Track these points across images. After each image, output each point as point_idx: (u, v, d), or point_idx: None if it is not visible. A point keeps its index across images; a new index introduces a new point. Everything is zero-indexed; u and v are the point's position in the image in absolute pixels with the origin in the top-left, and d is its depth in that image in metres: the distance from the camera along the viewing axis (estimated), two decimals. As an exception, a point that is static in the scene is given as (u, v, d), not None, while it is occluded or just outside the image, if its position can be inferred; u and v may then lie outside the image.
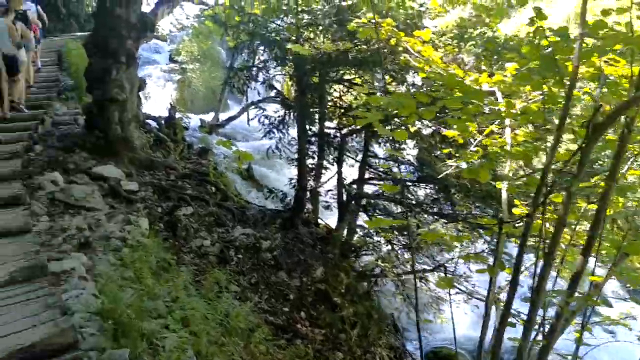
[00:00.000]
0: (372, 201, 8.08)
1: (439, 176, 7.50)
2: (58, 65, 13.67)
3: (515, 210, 4.49)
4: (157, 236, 6.64)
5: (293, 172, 12.87)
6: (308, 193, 8.88)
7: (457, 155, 8.29)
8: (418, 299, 6.11)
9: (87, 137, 8.99)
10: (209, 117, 17.61)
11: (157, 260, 5.89)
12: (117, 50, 8.88)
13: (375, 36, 6.33)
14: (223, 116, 17.09)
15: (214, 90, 23.63)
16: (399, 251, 7.57)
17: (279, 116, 8.81)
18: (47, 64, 13.37)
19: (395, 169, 8.46)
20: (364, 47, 7.09)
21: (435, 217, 7.36)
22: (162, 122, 11.16)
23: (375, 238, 7.77)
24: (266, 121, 8.91)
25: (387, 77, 7.58)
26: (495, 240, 6.28)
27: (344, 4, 6.82)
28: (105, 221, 6.38)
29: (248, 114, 15.40)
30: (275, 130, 8.79)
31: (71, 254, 5.00)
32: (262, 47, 8.41)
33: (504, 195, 4.27)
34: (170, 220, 7.17)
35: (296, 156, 9.65)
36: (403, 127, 6.10)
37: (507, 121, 4.80)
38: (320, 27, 7.34)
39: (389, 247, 7.60)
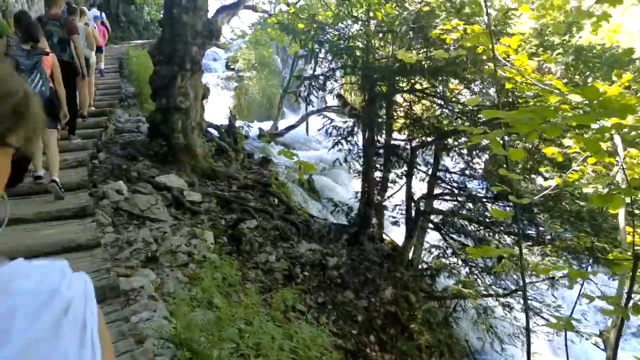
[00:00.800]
0: (449, 219, 7.61)
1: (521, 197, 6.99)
2: (119, 72, 13.86)
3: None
4: (222, 250, 6.43)
5: (356, 184, 12.56)
6: (374, 207, 8.50)
7: (545, 172, 7.78)
8: (503, 329, 5.62)
9: (150, 145, 8.94)
10: (266, 125, 17.57)
11: (224, 277, 5.66)
12: (182, 57, 8.81)
13: (458, 43, 5.93)
14: (281, 125, 16.98)
15: (271, 98, 23.69)
16: (478, 274, 7.05)
17: (347, 127, 8.48)
18: (109, 70, 13.57)
19: (470, 185, 7.98)
20: (443, 54, 6.66)
21: (516, 238, 6.83)
22: (223, 130, 11.04)
23: (452, 259, 7.29)
24: (334, 132, 8.59)
25: (461, 86, 7.14)
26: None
27: (425, 8, 6.44)
28: (171, 234, 6.20)
29: (307, 123, 15.19)
30: (344, 141, 8.46)
31: (139, 270, 4.81)
32: (329, 55, 8.12)
33: (622, 222, 3.76)
34: (234, 234, 6.94)
35: (361, 168, 9.31)
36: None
37: (617, 138, 4.31)
38: (395, 34, 6.97)
39: (467, 269, 7.11)
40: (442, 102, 8.05)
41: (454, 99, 8.13)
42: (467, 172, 8.15)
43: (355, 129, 8.32)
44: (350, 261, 7.57)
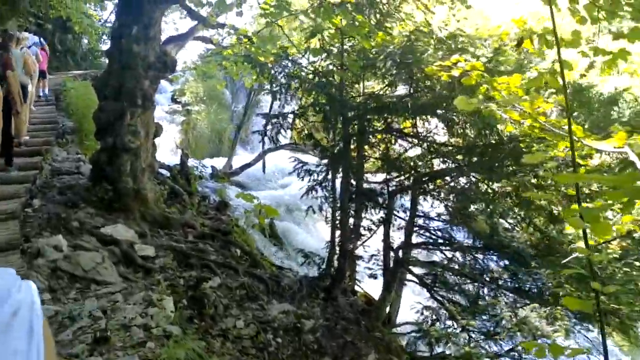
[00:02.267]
0: (438, 273, 7.00)
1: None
2: (55, 105, 12.74)
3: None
4: (183, 317, 5.57)
5: (321, 227, 11.89)
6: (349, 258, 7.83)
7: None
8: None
9: (94, 190, 7.99)
10: (218, 162, 16.71)
11: (186, 352, 4.80)
12: (132, 91, 8.01)
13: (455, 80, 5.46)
14: (234, 162, 16.18)
15: (220, 134, 22.86)
16: (477, 338, 6.41)
17: (321, 170, 7.83)
18: (42, 103, 12.44)
19: (456, 234, 7.46)
20: (429, 93, 6.22)
21: (514, 295, 6.31)
22: (176, 171, 10.17)
23: (449, 323, 6.63)
24: (307, 176, 7.92)
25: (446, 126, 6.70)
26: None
27: (416, 44, 5.95)
28: (122, 301, 5.31)
29: (264, 161, 14.47)
30: (319, 187, 7.79)
31: None
32: (299, 91, 7.52)
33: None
34: (196, 295, 6.09)
35: (330, 214, 8.67)
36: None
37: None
38: (377, 70, 6.46)
39: (465, 334, 6.47)
40: (421, 143, 7.57)
41: (430, 139, 7.68)
42: (446, 217, 7.64)
43: (329, 174, 7.69)
44: (325, 321, 6.83)
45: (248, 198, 9.75)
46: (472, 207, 7.40)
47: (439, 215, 8.04)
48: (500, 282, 6.40)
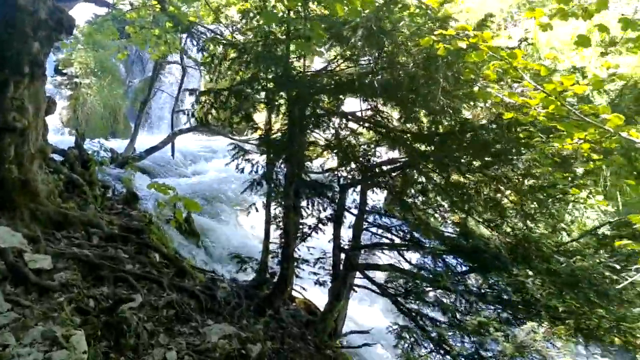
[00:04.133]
0: (407, 279, 6.12)
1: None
2: None
3: None
4: (98, 358, 4.32)
5: (244, 221, 10.72)
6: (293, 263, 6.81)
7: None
8: None
9: (-35, 181, 6.31)
10: (114, 144, 14.83)
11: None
12: (17, 56, 6.42)
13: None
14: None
15: (115, 111, 20.74)
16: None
17: (265, 163, 6.70)
18: None
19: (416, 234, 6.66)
20: (400, 70, 5.31)
21: (500, 309, 5.61)
22: (73, 156, 8.52)
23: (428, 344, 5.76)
24: (247, 167, 6.74)
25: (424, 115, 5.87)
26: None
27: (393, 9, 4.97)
28: (14, 341, 3.94)
29: (173, 144, 12.94)
30: (264, 181, 6.64)
31: None
32: (240, 64, 6.29)
33: None
34: (112, 322, 4.79)
35: (265, 211, 7.63)
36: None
37: None
38: (345, 41, 5.41)
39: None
40: (376, 128, 6.70)
41: (384, 124, 6.83)
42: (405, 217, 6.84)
43: (277, 167, 6.57)
44: (271, 342, 5.80)
45: (162, 189, 8.37)
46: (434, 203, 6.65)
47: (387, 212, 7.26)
48: (478, 292, 5.71)
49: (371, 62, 6.02)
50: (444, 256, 6.05)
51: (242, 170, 6.71)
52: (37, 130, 6.83)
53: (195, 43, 10.31)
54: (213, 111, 6.47)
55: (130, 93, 23.81)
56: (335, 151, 6.87)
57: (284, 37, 6.29)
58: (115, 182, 10.05)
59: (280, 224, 7.04)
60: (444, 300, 5.76)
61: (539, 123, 4.33)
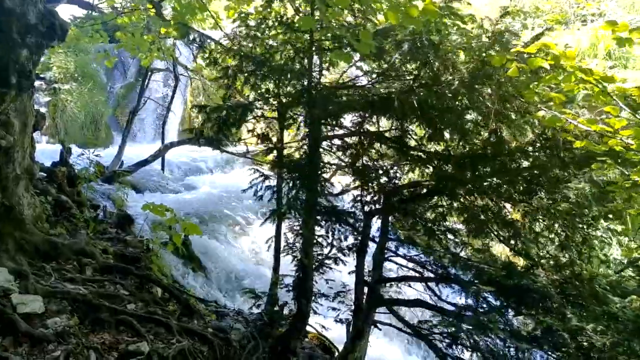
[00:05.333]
0: (447, 320, 5.50)
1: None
2: None
3: None
4: None
5: (244, 244, 10.06)
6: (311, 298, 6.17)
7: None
8: None
9: (-59, 207, 5.60)
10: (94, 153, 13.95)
11: None
12: (3, 65, 5.69)
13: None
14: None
15: (96, 119, 19.88)
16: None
17: (276, 184, 6.09)
18: None
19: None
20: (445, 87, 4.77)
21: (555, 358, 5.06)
22: (60, 174, 7.78)
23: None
24: (267, 195, 6.10)
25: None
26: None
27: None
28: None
29: (164, 158, 12.21)
30: (290, 211, 6.00)
31: None
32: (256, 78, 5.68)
33: None
34: (118, 379, 4.14)
35: (274, 240, 7.03)
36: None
37: None
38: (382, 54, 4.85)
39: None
40: (405, 150, 6.15)
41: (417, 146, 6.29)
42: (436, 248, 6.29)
43: (289, 187, 5.94)
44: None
45: (159, 211, 7.69)
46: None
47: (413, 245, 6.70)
48: (530, 337, 5.15)
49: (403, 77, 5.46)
50: (479, 293, 5.48)
51: (261, 198, 6.08)
52: (24, 148, 6.13)
53: (192, 50, 9.68)
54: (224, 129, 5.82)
55: (112, 99, 22.95)
56: (357, 174, 6.28)
57: (307, 46, 5.70)
58: (103, 200, 9.31)
59: (295, 253, 6.41)
60: (488, 344, 5.18)
61: (622, 155, 3.79)
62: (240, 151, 8.08)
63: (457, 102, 5.14)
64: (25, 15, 5.86)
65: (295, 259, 6.23)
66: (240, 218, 10.31)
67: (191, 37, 6.97)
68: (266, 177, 6.10)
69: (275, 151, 6.38)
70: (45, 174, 7.82)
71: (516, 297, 5.31)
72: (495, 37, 4.45)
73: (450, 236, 6.66)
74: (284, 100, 5.93)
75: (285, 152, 6.34)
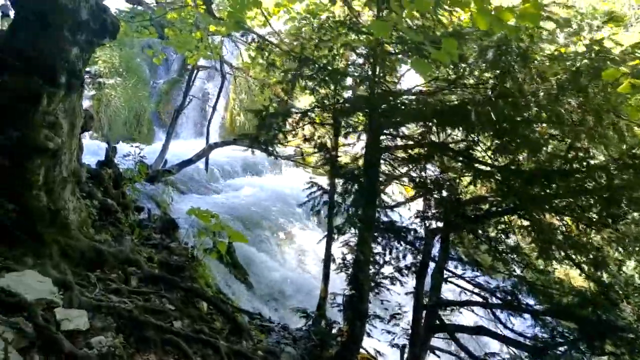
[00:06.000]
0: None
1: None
2: None
3: None
4: None
5: (289, 253, 9.74)
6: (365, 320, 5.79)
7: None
8: None
9: (-15, 210, 5.41)
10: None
11: None
12: (52, 63, 5.50)
13: None
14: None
15: (139, 114, 19.90)
16: None
17: (328, 194, 5.73)
18: None
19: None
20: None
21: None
22: (107, 176, 7.57)
23: None
24: (322, 207, 5.76)
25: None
26: None
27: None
28: None
29: (207, 158, 11.97)
30: (350, 228, 5.65)
31: None
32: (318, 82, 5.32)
33: None
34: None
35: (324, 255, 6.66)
36: None
37: None
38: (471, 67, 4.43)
39: None
40: (471, 163, 5.69)
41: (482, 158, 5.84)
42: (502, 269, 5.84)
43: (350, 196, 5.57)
44: None
45: (204, 217, 7.40)
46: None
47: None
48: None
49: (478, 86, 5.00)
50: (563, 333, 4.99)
51: (319, 212, 5.73)
52: (71, 150, 5.92)
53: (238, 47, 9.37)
54: (280, 136, 5.48)
55: (154, 95, 23.00)
56: (419, 187, 5.86)
57: (372, 51, 5.30)
58: (147, 202, 9.11)
59: (349, 271, 6.03)
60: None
61: None
62: (292, 156, 7.74)
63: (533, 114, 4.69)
64: (77, 11, 5.63)
65: (349, 277, 5.85)
66: (284, 224, 10.01)
67: (248, 38, 6.64)
68: (325, 191, 5.74)
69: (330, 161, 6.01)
70: (90, 175, 7.63)
71: (598, 333, 4.80)
72: (594, 46, 3.96)
73: (513, 256, 6.21)
74: (342, 107, 5.54)
75: (342, 160, 5.97)
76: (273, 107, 6.01)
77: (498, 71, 4.52)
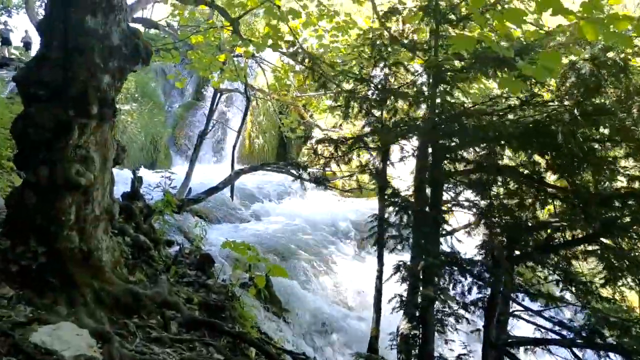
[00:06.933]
0: None
1: None
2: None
3: None
4: None
5: (327, 284, 9.22)
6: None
7: None
8: None
9: (12, 254, 5.01)
10: (154, 177, 13.40)
11: None
12: (83, 92, 5.10)
13: None
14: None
15: (155, 140, 19.58)
16: None
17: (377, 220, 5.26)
18: None
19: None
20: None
21: None
22: (139, 210, 7.13)
23: None
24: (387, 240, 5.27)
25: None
26: None
27: None
28: None
29: (233, 185, 11.51)
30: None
31: None
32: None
33: None
34: None
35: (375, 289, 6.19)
36: None
37: None
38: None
39: None
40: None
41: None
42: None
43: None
44: None
45: (241, 249, 6.94)
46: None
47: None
48: None
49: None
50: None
51: (382, 246, 5.24)
52: (104, 185, 5.49)
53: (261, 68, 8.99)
54: (333, 164, 5.03)
55: (170, 119, 22.72)
56: (483, 215, 5.37)
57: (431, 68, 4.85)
58: (175, 234, 8.66)
59: (410, 310, 5.51)
60: None
61: None
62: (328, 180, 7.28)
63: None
64: (108, 36, 5.25)
65: (408, 315, 5.34)
66: (319, 252, 9.52)
67: (299, 58, 6.21)
68: (389, 224, 5.25)
69: (384, 188, 5.54)
70: (120, 209, 7.20)
71: None
72: None
73: (587, 286, 5.69)
74: (399, 129, 5.08)
75: (399, 187, 5.50)
76: (299, 131, 5.56)
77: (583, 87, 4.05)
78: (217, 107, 20.80)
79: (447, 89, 4.81)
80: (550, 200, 5.46)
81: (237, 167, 12.30)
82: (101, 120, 5.28)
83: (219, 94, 13.03)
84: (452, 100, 5.00)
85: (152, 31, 15.65)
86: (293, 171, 10.08)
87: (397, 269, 5.23)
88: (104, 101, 5.26)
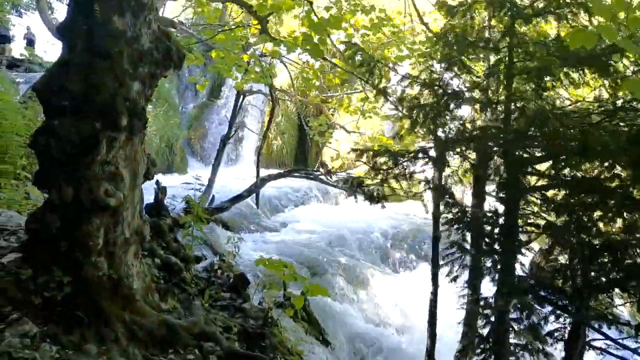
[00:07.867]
0: None
1: None
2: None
3: None
4: None
5: (363, 297, 8.65)
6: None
7: None
8: None
9: (34, 283, 4.49)
10: (171, 181, 12.85)
11: None
12: (111, 102, 4.56)
13: None
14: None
15: (171, 143, 19.09)
16: None
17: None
18: None
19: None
20: None
21: None
22: (167, 227, 6.59)
23: None
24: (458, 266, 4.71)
25: None
26: None
27: None
28: None
29: (258, 193, 10.96)
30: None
31: None
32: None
33: None
34: None
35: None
36: None
37: None
38: None
39: None
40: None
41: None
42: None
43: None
44: None
45: (276, 267, 6.51)
46: None
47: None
48: None
49: None
50: None
51: (455, 279, 4.67)
52: (134, 204, 4.97)
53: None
54: (392, 181, 4.46)
55: (184, 121, 22.22)
56: (561, 235, 4.78)
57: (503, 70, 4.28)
58: (202, 248, 8.13)
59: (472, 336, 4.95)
60: None
61: None
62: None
63: None
64: (138, 39, 4.72)
65: (483, 350, 4.76)
66: (354, 267, 8.95)
67: (358, 60, 5.62)
68: (464, 250, 4.67)
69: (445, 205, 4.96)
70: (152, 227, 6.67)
71: None
72: None
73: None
74: (469, 139, 4.51)
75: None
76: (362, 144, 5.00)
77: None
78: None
79: (539, 91, 4.23)
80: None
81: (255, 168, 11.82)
82: (131, 133, 4.75)
83: (242, 96, 12.46)
84: (541, 104, 4.44)
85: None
86: (322, 178, 9.55)
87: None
88: (133, 111, 4.72)
